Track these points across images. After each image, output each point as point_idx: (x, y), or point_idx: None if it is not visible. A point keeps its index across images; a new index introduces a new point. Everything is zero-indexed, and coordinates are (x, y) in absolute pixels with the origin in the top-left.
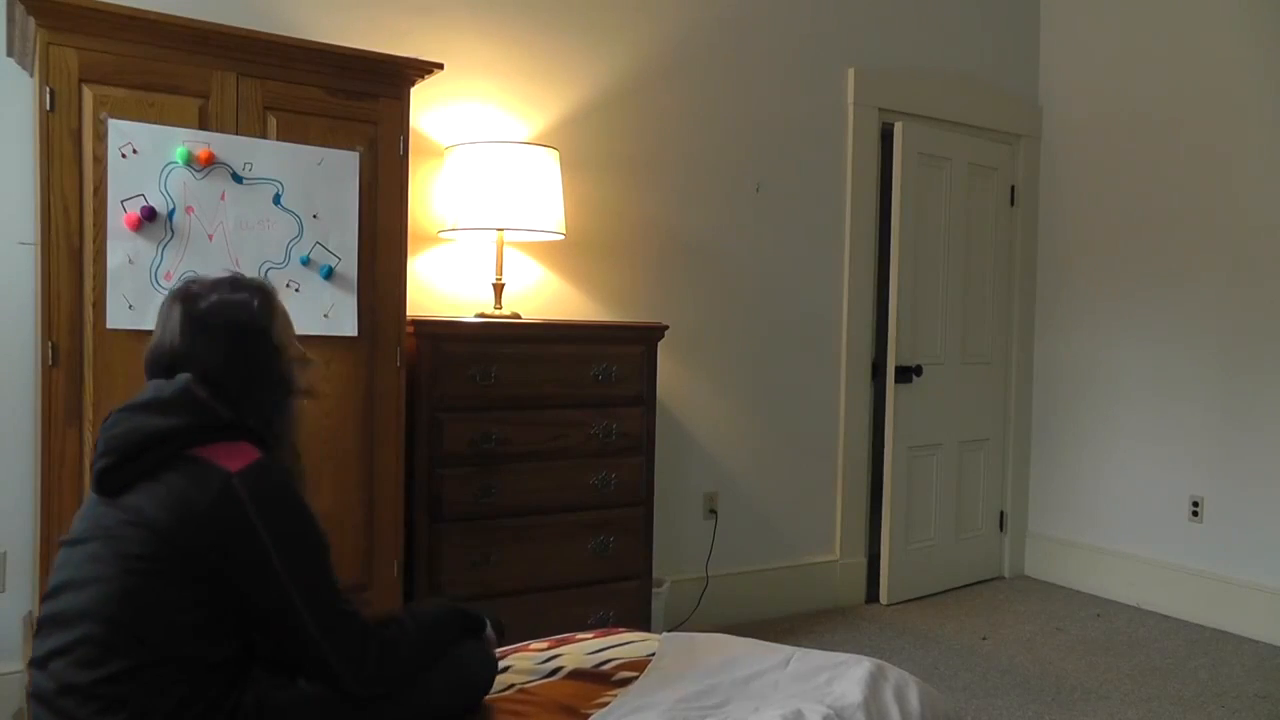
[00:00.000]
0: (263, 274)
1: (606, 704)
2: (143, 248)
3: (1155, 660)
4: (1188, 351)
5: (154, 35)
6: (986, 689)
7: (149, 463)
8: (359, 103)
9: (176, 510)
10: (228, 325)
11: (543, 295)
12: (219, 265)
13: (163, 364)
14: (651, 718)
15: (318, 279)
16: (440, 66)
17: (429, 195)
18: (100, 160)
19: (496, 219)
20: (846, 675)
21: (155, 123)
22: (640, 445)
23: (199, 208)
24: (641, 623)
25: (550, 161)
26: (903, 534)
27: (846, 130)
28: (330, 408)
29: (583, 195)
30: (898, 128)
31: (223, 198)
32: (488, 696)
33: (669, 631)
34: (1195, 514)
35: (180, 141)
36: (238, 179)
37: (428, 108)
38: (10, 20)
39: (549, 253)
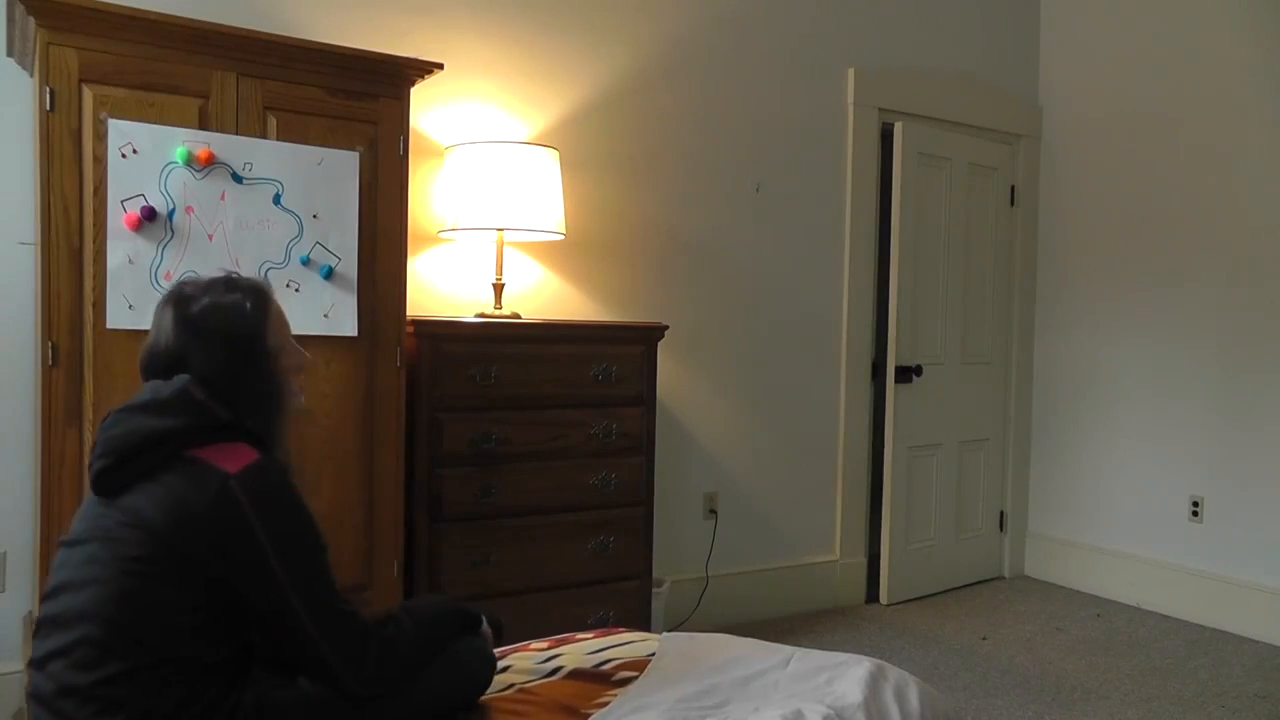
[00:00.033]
0: (263, 274)
1: (606, 704)
2: (143, 248)
3: (1155, 660)
4: (1188, 351)
5: (154, 35)
6: (986, 689)
7: (147, 464)
8: (359, 103)
9: (174, 512)
10: (219, 329)
11: (543, 295)
12: (219, 265)
13: (157, 366)
14: (651, 717)
15: (318, 279)
16: (440, 66)
17: (429, 195)
18: (100, 160)
19: (496, 219)
20: (847, 675)
21: (155, 123)
22: (640, 445)
23: (199, 208)
24: (641, 623)
25: (550, 161)
26: (903, 534)
27: (846, 130)
28: (330, 408)
29: (583, 195)
30: (898, 128)
31: (223, 198)
32: (488, 696)
33: (669, 631)
34: (1195, 514)
35: (180, 141)
36: (238, 179)
37: (428, 108)
38: (10, 20)
39: (549, 253)
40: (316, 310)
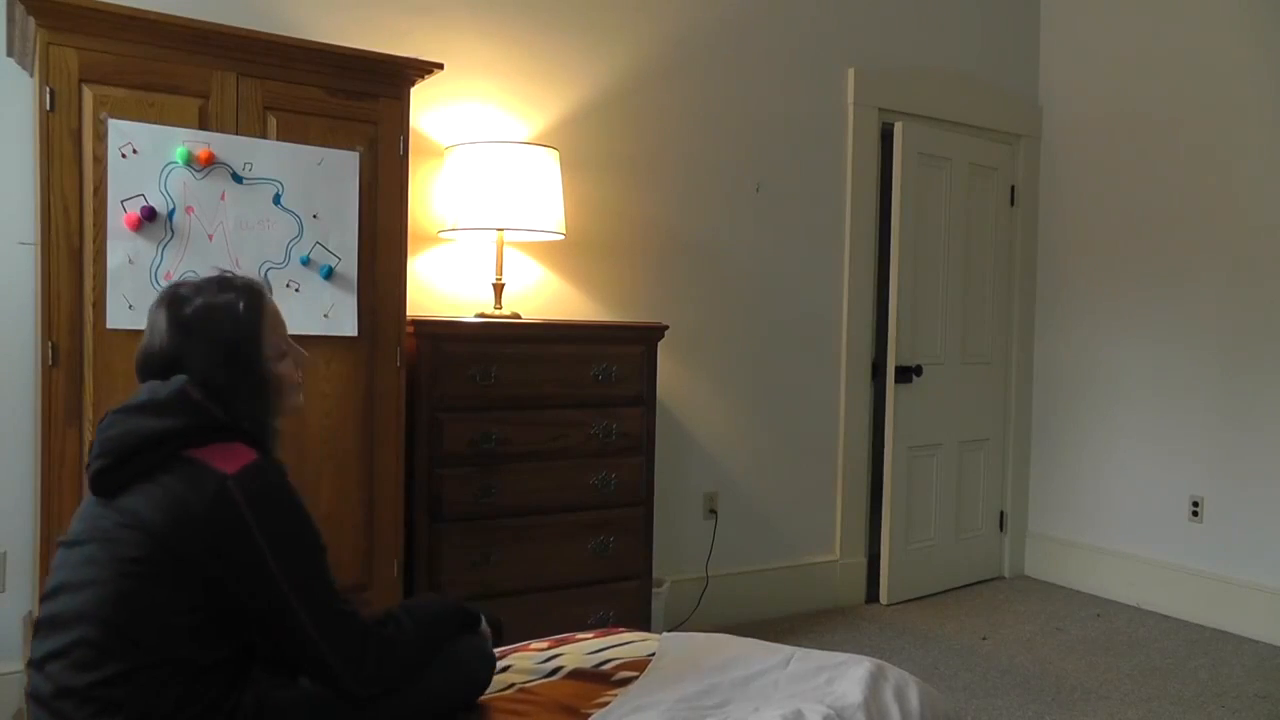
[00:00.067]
0: (263, 274)
1: (607, 704)
2: (143, 248)
3: (1155, 660)
4: (1188, 351)
5: (154, 35)
6: (986, 689)
7: (145, 464)
8: (359, 103)
9: (172, 513)
10: (213, 329)
11: (543, 295)
12: (219, 265)
13: (153, 367)
14: (651, 717)
15: (318, 279)
16: (440, 66)
17: (429, 195)
18: (100, 160)
19: (496, 219)
20: (847, 675)
21: (155, 123)
22: (640, 445)
23: (199, 208)
24: (641, 623)
25: (550, 161)
26: (903, 534)
27: (846, 130)
28: (330, 408)
29: (583, 195)
30: (898, 128)
31: (223, 198)
32: (488, 696)
33: (669, 631)
34: (1195, 514)
35: (180, 141)
36: (238, 179)
37: (428, 108)
38: (10, 20)
39: (549, 253)
40: (316, 310)
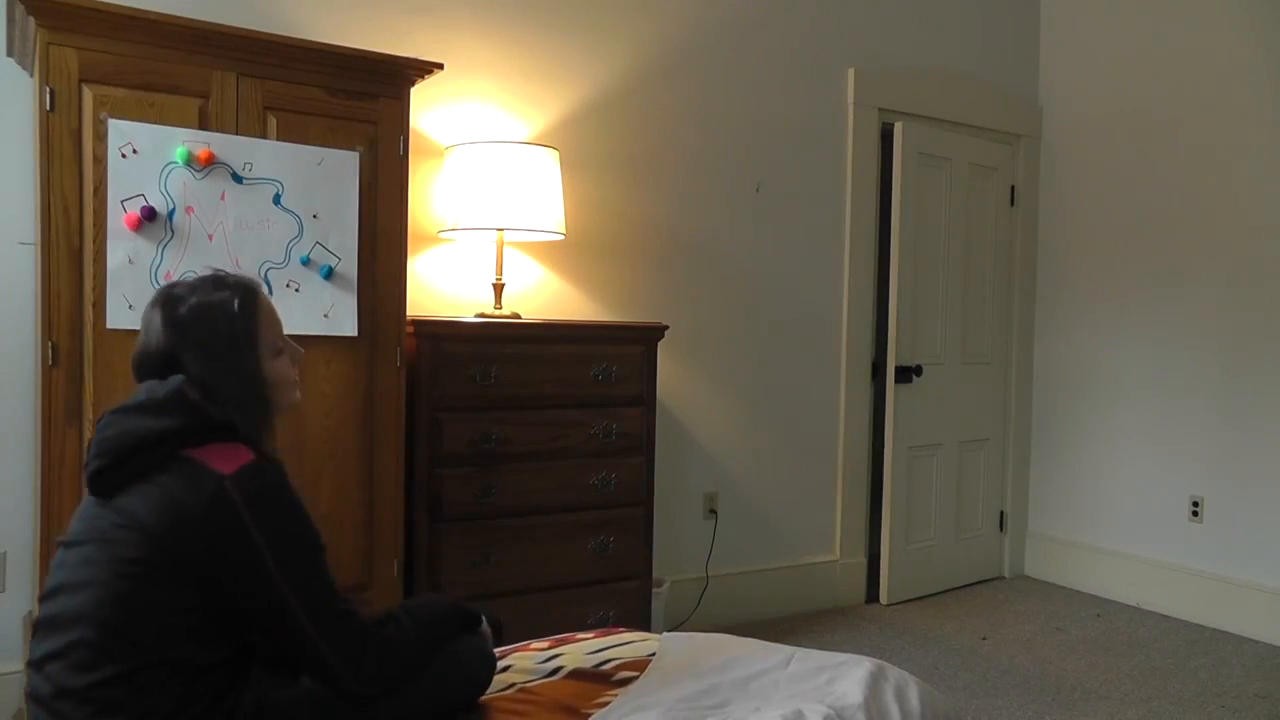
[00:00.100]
0: (263, 274)
1: (607, 704)
2: (143, 248)
3: (1155, 660)
4: (1188, 351)
5: (154, 35)
6: (986, 689)
7: (142, 464)
8: (359, 103)
9: (169, 514)
10: (208, 327)
11: (543, 295)
12: (219, 265)
13: (150, 367)
14: (652, 717)
15: (318, 279)
16: (440, 66)
17: (429, 195)
18: (100, 160)
19: (496, 219)
20: (847, 675)
21: (155, 123)
22: (640, 445)
23: (199, 208)
24: (641, 623)
25: (550, 161)
26: (903, 534)
27: (846, 130)
28: (330, 408)
29: (583, 195)
30: (898, 128)
31: (223, 198)
32: (489, 696)
33: (669, 631)
34: (1195, 514)
35: (180, 141)
36: (238, 179)
37: (428, 108)
38: (10, 20)
39: (549, 253)
40: (316, 310)
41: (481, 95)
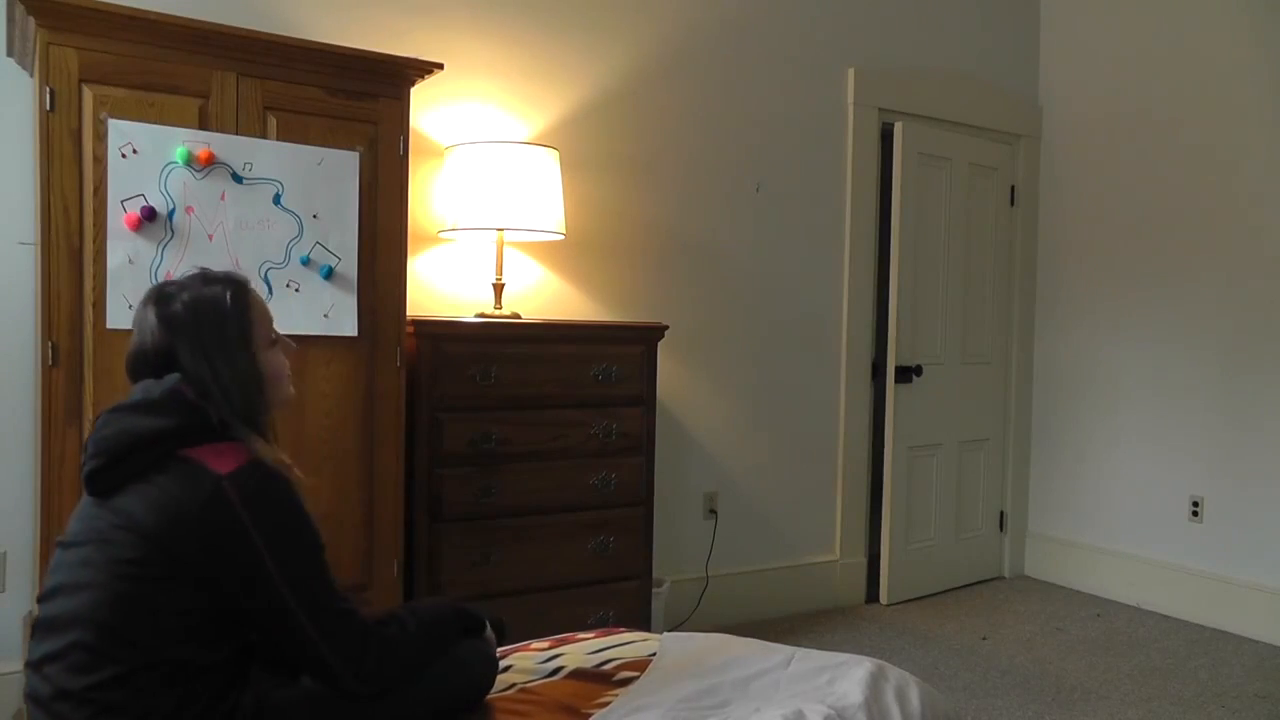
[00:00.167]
0: (263, 274)
1: (607, 704)
2: (143, 248)
3: (1155, 660)
4: (1188, 351)
5: (154, 35)
6: (986, 689)
7: (139, 464)
8: (359, 103)
9: (167, 514)
10: (202, 321)
11: (543, 295)
12: (219, 265)
13: (146, 366)
14: (652, 717)
15: (318, 279)
16: (440, 66)
17: (429, 195)
18: (100, 160)
19: (496, 219)
20: (847, 675)
21: (155, 123)
22: (640, 445)
23: (199, 208)
24: (641, 623)
25: (550, 161)
26: (903, 534)
27: (846, 130)
28: (330, 408)
29: (583, 195)
30: (898, 128)
31: (223, 198)
32: (489, 696)
33: (669, 631)
34: (1195, 514)
35: (180, 141)
36: (238, 179)
37: (428, 108)
38: (10, 20)
39: (549, 253)
40: (316, 310)
41: (481, 95)
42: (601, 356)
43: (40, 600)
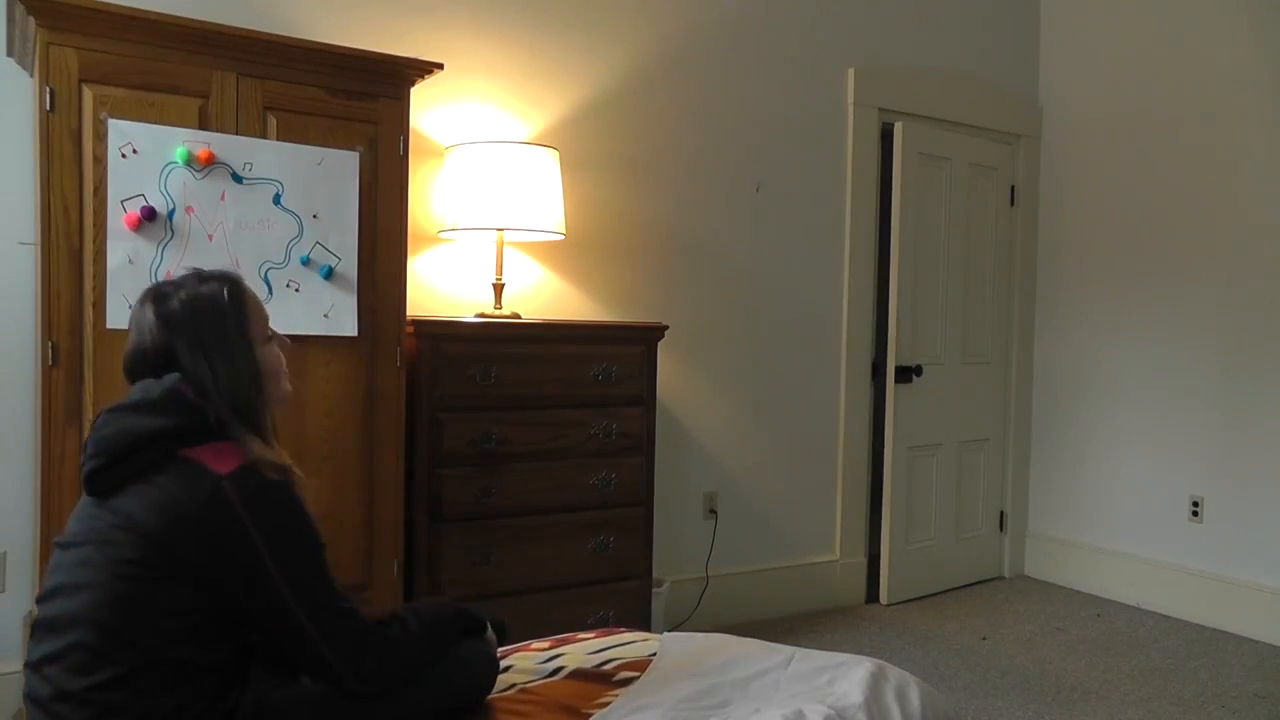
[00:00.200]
0: (263, 274)
1: (608, 704)
2: (143, 248)
3: (1155, 660)
4: (1188, 351)
5: (154, 35)
6: (986, 689)
7: (138, 464)
8: (359, 103)
9: (166, 514)
10: (201, 318)
11: (543, 295)
12: (219, 265)
13: (145, 366)
14: (653, 717)
15: (318, 279)
16: (440, 66)
17: (429, 195)
18: (100, 160)
19: (496, 219)
20: (848, 675)
21: (155, 123)
22: (640, 445)
23: (199, 208)
24: (641, 623)
25: (550, 161)
26: (903, 534)
27: (846, 130)
28: (330, 408)
29: (583, 195)
30: (898, 128)
31: (223, 198)
32: (490, 696)
33: (669, 631)
34: (1195, 514)
35: (180, 141)
36: (238, 179)
37: (428, 108)
38: (10, 20)
39: (549, 253)
40: (316, 310)
41: (481, 95)
42: (601, 356)
43: (39, 601)
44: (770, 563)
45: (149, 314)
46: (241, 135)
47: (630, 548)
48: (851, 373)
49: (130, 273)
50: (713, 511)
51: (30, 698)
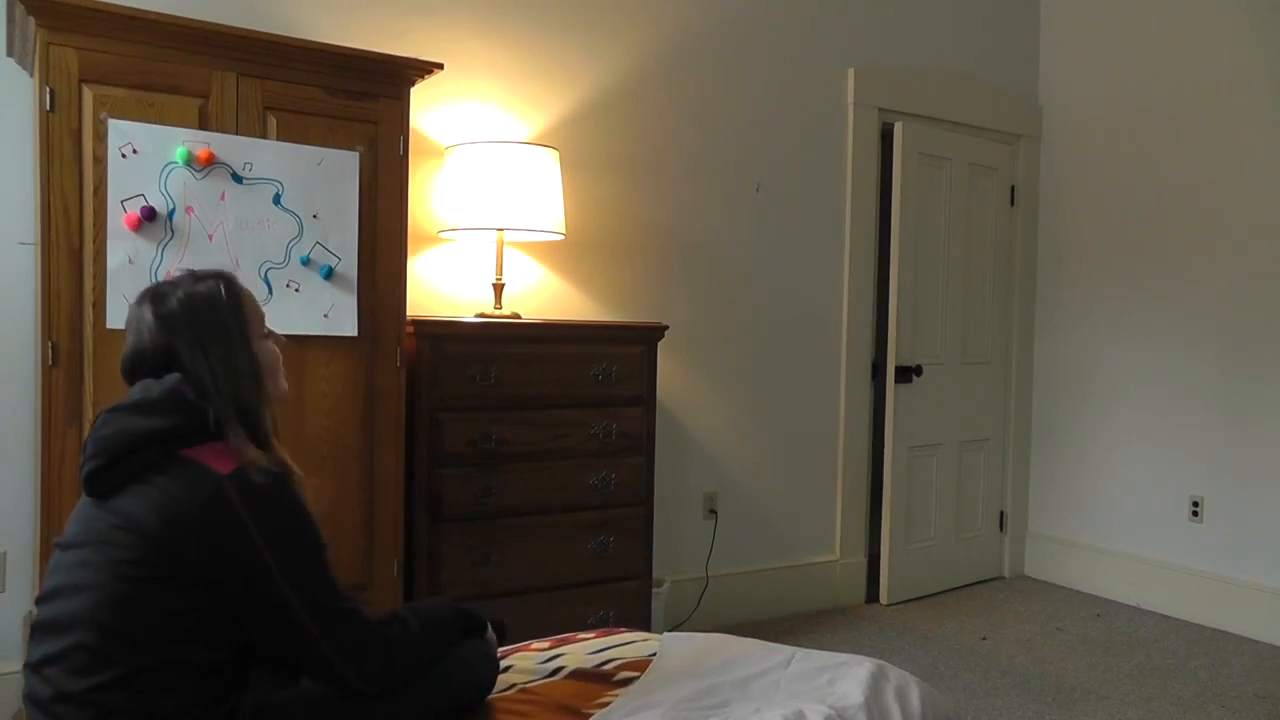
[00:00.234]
0: (263, 274)
1: (608, 704)
2: (143, 248)
3: (1155, 660)
4: (1188, 351)
5: (154, 35)
6: (986, 689)
7: (138, 464)
8: (359, 103)
9: (166, 514)
10: (199, 316)
11: (543, 295)
12: (219, 265)
13: (144, 366)
14: (653, 718)
15: (318, 279)
16: (440, 66)
17: (429, 195)
18: (100, 160)
19: (496, 219)
20: (848, 675)
21: (155, 123)
22: (640, 445)
23: (199, 208)
24: (641, 623)
25: (550, 161)
26: (903, 534)
27: (846, 130)
28: (330, 408)
29: (583, 195)
30: (898, 128)
31: (223, 198)
32: (490, 696)
33: (669, 631)
34: (1195, 514)
35: (180, 141)
36: (238, 179)
37: (428, 108)
38: (10, 20)
39: (549, 253)
40: (316, 310)
41: (481, 95)
42: (601, 356)
43: (39, 602)
44: (770, 563)
45: (147, 314)
46: (241, 135)
47: (630, 548)
48: (851, 373)
49: (130, 273)
50: (713, 511)
51: (30, 699)
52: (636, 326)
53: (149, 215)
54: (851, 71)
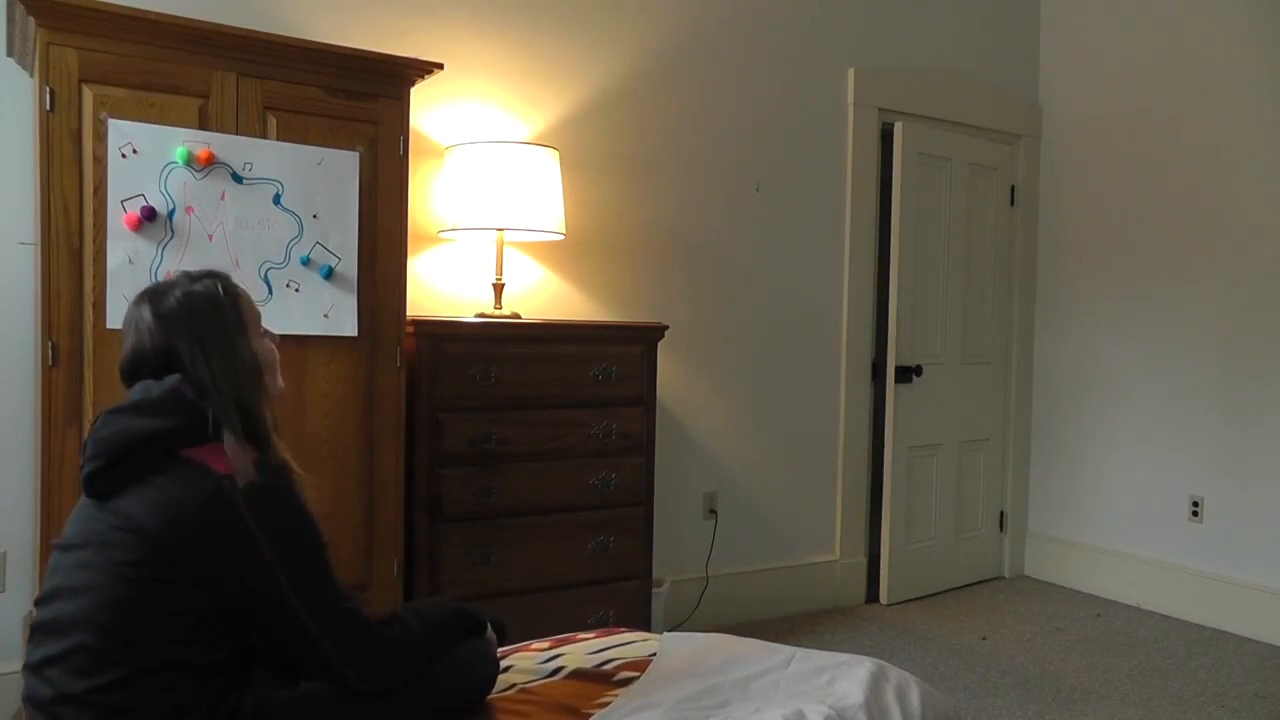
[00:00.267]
0: (263, 274)
1: (608, 704)
2: (143, 248)
3: (1155, 660)
4: (1188, 351)
5: (154, 35)
6: (986, 689)
7: (138, 465)
8: (359, 103)
9: (167, 515)
10: (198, 314)
11: (543, 295)
12: (219, 265)
13: (144, 367)
14: (653, 717)
15: (318, 279)
16: (440, 66)
17: (429, 195)
18: (100, 160)
19: (496, 219)
20: (848, 675)
21: (155, 123)
22: (640, 445)
23: (199, 208)
24: (641, 623)
25: (550, 161)
26: (903, 534)
27: (846, 130)
28: (330, 408)
29: (583, 195)
30: (898, 128)
31: (223, 198)
32: (490, 696)
33: (669, 631)
34: (1195, 514)
35: (180, 141)
36: (238, 179)
37: (428, 108)
38: (10, 20)
39: (549, 253)
40: (316, 310)
41: (481, 95)
42: (601, 356)
43: (38, 603)
44: (770, 563)
45: (145, 315)
46: (241, 135)
47: (630, 548)
48: (851, 373)
49: (130, 273)
50: (713, 511)
51: (30, 700)
52: (636, 326)
53: (149, 215)
54: (851, 71)
